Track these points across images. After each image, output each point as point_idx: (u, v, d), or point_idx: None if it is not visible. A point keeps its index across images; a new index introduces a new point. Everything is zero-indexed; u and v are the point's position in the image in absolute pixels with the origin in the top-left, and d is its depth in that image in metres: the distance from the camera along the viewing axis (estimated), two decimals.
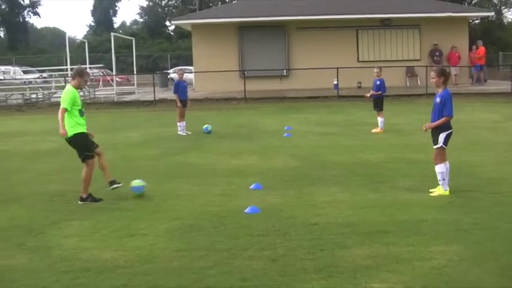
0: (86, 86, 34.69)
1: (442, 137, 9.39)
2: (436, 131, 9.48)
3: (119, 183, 10.06)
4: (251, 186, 10.35)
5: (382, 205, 8.93)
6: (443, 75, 9.50)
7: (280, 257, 6.70)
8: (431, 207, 8.75)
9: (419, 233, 7.47)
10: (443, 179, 9.45)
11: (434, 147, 9.51)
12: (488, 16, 47.95)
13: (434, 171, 9.82)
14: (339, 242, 7.17)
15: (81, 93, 32.70)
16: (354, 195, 9.63)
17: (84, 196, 9.69)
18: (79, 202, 9.65)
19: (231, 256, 6.77)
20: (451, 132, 9.50)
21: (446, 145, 9.46)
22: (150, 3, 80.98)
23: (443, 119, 9.33)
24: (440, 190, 9.48)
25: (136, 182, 10.04)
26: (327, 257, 6.66)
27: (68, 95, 9.68)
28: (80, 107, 9.74)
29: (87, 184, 9.74)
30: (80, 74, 9.90)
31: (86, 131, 9.86)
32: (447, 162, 9.49)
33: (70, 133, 9.69)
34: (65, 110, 9.56)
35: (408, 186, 10.11)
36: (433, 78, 9.57)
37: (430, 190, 9.62)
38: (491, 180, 10.49)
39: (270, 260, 6.58)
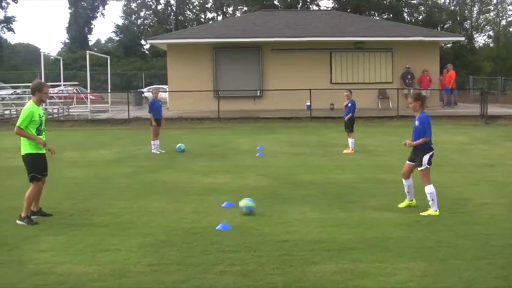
0: (60, 103, 34.92)
1: (426, 158, 9.68)
2: (419, 154, 9.76)
3: (45, 214, 9.82)
4: (223, 204, 10.51)
5: (351, 223, 9.15)
6: (420, 99, 9.89)
7: (250, 272, 6.87)
8: (398, 225, 8.98)
9: (386, 249, 7.70)
10: (433, 199, 9.67)
11: (419, 169, 9.76)
12: (460, 41, 48.99)
13: (402, 191, 10.13)
14: (308, 258, 7.36)
15: (55, 111, 32.97)
16: (324, 214, 9.84)
17: (23, 215, 9.41)
18: (17, 221, 9.40)
19: (203, 271, 6.92)
20: (433, 153, 9.83)
21: (430, 165, 9.74)
22: (126, 22, 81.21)
23: (421, 140, 9.65)
24: (431, 211, 9.67)
25: (246, 202, 9.92)
26: (295, 272, 6.86)
27: (24, 113, 9.39)
28: (37, 125, 9.41)
29: (29, 204, 9.44)
30: (39, 89, 9.55)
31: (42, 151, 9.57)
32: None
33: (24, 151, 9.45)
34: (19, 128, 9.32)
35: (377, 206, 10.35)
36: (410, 103, 9.91)
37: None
38: (457, 201, 10.79)
39: (240, 275, 6.75)
